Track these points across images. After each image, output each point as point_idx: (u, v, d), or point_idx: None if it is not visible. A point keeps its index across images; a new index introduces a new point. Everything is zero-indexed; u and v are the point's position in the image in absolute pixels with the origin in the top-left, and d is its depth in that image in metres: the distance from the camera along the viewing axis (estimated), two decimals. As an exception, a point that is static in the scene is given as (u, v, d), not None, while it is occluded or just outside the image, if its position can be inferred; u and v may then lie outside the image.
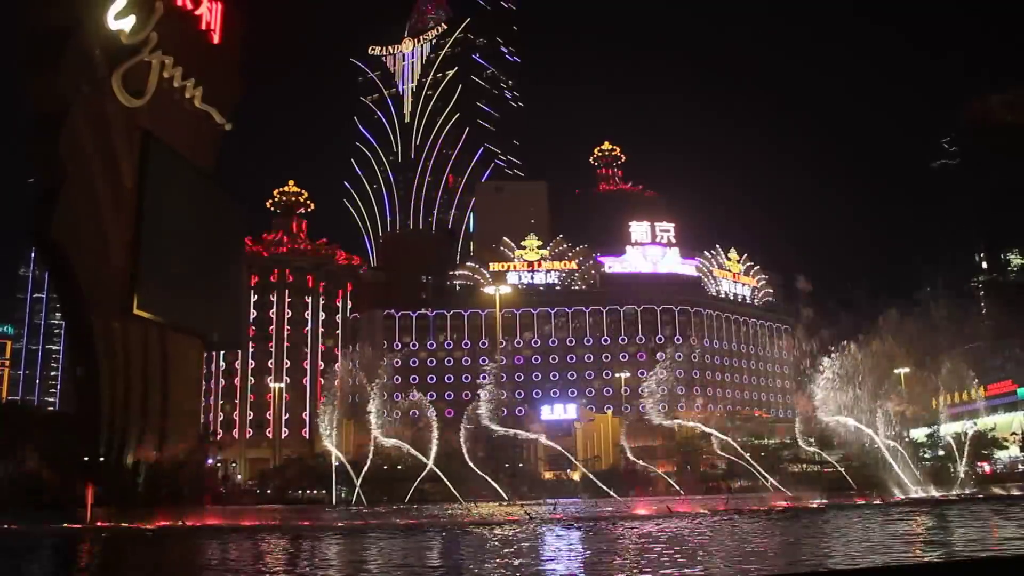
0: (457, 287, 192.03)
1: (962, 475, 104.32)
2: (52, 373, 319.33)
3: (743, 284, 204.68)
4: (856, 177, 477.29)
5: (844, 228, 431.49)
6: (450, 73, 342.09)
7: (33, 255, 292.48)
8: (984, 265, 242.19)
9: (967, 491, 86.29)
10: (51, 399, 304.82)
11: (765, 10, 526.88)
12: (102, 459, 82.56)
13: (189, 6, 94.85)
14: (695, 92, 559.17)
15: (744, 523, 44.51)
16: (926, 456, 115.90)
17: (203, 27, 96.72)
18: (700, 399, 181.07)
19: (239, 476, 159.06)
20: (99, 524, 56.11)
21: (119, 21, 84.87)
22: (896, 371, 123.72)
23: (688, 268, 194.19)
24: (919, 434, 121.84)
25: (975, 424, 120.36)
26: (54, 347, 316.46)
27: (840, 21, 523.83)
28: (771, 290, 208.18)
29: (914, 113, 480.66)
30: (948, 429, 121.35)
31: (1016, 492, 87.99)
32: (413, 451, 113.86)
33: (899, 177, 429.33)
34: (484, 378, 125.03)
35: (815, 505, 68.30)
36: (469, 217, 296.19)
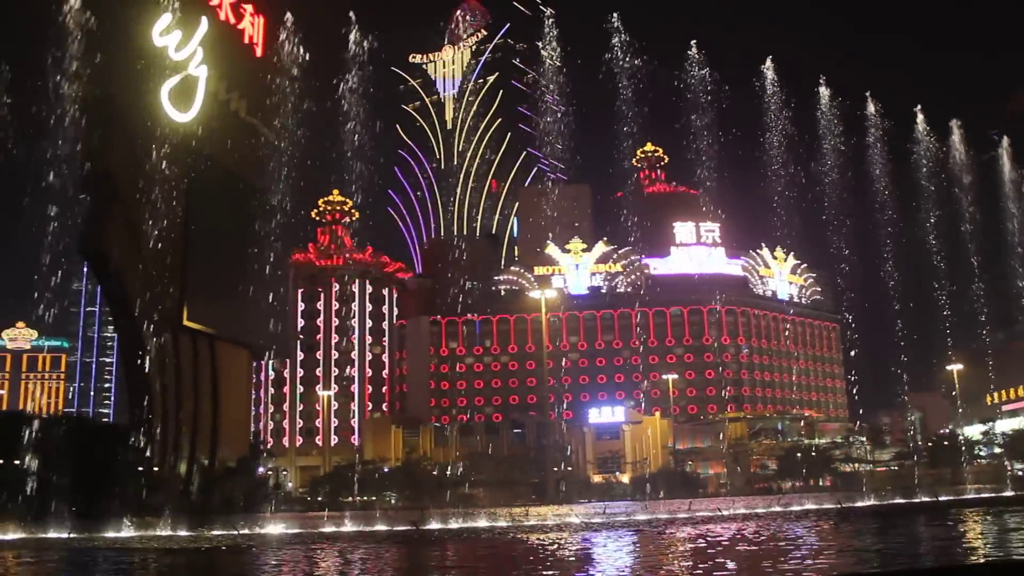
0: (502, 292, 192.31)
1: (1019, 473, 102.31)
2: (106, 385, 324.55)
3: (790, 283, 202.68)
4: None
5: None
6: (491, 79, 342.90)
7: (85, 269, 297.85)
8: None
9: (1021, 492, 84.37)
10: (105, 411, 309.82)
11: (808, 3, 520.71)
12: (156, 469, 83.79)
13: (232, 20, 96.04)
14: (737, 86, 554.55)
15: (796, 525, 44.07)
16: (981, 454, 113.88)
17: (246, 41, 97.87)
18: (749, 399, 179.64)
19: (290, 484, 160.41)
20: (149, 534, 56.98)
21: (164, 37, 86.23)
22: (948, 367, 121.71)
23: (734, 268, 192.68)
24: (974, 432, 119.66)
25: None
26: (108, 360, 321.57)
27: (888, 13, 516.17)
28: (819, 288, 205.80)
29: (963, 106, 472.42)
30: (1005, 426, 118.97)
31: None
32: (461, 456, 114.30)
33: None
34: (531, 383, 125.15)
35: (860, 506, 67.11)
36: (513, 222, 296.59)
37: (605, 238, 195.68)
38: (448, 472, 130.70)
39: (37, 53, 78.26)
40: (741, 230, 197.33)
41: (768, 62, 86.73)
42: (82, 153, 78.74)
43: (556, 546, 32.97)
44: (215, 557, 36.08)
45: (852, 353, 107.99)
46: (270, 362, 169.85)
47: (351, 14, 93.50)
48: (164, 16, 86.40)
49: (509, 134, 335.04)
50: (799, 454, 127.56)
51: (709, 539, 33.40)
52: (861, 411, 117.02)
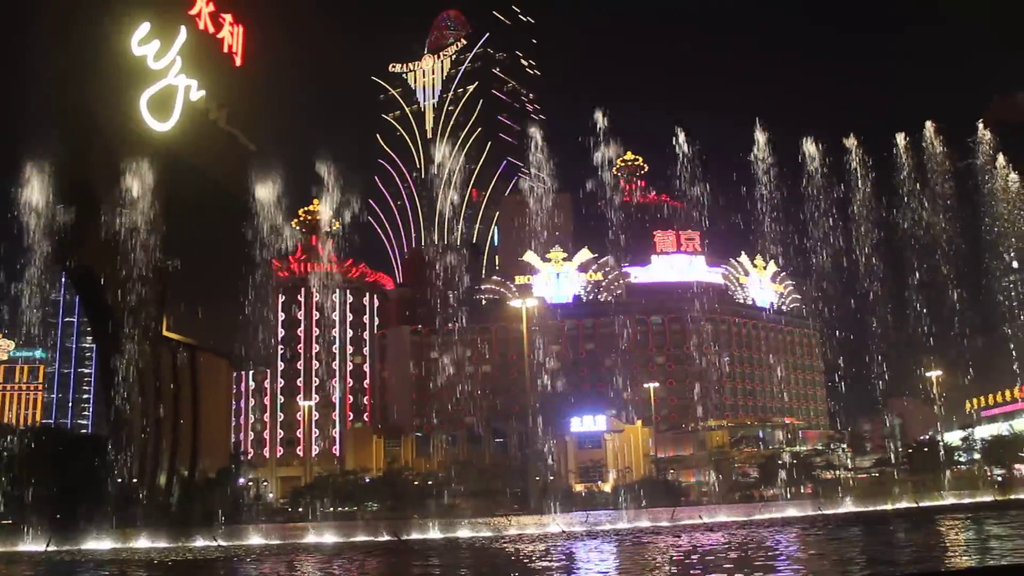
0: (483, 301, 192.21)
1: (999, 479, 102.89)
2: (85, 396, 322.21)
3: (771, 290, 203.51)
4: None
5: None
6: (470, 88, 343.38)
7: (63, 280, 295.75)
8: (1015, 264, 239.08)
9: (999, 497, 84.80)
10: (84, 422, 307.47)
11: (786, 12, 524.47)
12: (135, 480, 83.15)
13: (211, 29, 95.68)
14: (719, 98, 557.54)
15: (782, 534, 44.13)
16: (960, 460, 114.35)
17: (225, 50, 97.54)
18: (730, 407, 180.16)
19: (271, 495, 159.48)
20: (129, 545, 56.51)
21: (143, 47, 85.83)
22: (928, 374, 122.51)
23: (715, 276, 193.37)
24: (953, 438, 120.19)
25: (1011, 427, 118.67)
26: (86, 371, 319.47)
27: (867, 18, 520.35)
28: (799, 296, 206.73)
29: (942, 111, 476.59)
30: (984, 432, 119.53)
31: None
32: (443, 466, 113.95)
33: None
34: (513, 392, 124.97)
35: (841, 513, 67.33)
36: (493, 231, 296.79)
37: (586, 247, 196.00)
38: (430, 482, 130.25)
39: (13, 61, 77.70)
40: (721, 238, 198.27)
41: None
42: (59, 163, 78.18)
43: (537, 555, 32.88)
44: (193, 570, 35.77)
45: (832, 360, 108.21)
46: (251, 372, 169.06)
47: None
48: (143, 25, 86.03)
49: (489, 143, 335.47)
50: (780, 462, 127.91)
51: (690, 548, 33.42)
52: (842, 418, 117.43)
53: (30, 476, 70.08)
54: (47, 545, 52.74)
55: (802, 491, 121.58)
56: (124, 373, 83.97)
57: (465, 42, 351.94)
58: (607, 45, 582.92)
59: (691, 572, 23.47)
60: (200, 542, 55.07)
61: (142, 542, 56.36)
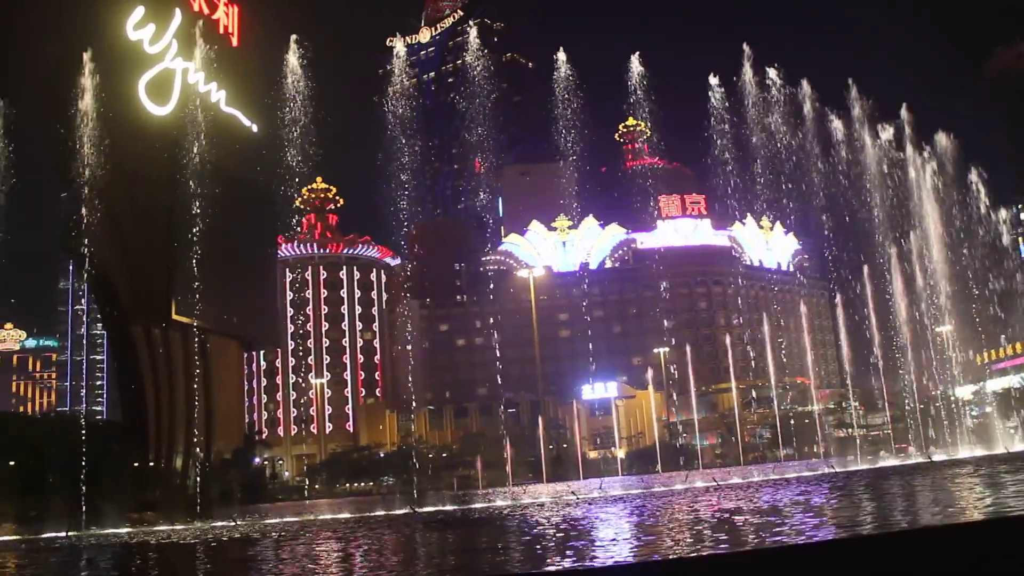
0: (490, 273, 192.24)
1: (1012, 431, 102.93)
2: (98, 383, 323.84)
3: (778, 251, 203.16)
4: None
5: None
6: (469, 58, 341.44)
7: (71, 267, 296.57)
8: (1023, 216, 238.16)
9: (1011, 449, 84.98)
10: (98, 408, 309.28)
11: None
12: (151, 464, 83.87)
13: (206, 11, 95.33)
14: (722, 59, 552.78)
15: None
16: (973, 413, 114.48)
17: (221, 31, 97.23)
18: (741, 369, 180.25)
19: (287, 473, 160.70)
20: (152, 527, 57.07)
21: (138, 31, 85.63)
22: (938, 329, 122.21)
23: (721, 239, 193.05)
24: (965, 392, 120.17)
25: (1022, 379, 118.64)
26: (98, 357, 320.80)
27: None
28: (806, 255, 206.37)
29: (945, 64, 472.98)
30: (995, 385, 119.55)
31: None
32: (456, 439, 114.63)
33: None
34: (523, 362, 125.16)
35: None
36: (498, 201, 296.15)
37: (592, 214, 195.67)
38: (444, 454, 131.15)
39: (8, 48, 77.57)
40: (727, 201, 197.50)
41: (745, 47, 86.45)
42: (60, 150, 78.23)
43: (552, 522, 33.16)
44: (220, 551, 36.19)
45: (842, 318, 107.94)
46: (261, 352, 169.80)
47: None
48: (137, 9, 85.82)
49: (490, 113, 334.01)
50: (792, 422, 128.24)
51: (706, 509, 33.67)
52: (853, 376, 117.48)
53: (48, 464, 70.63)
54: (68, 531, 53.31)
55: (816, 450, 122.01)
56: (135, 359, 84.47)
57: (462, 13, 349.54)
58: (607, 9, 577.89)
59: (712, 530, 23.68)
60: (219, 522, 55.60)
61: (161, 525, 56.92)
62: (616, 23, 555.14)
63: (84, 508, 62.46)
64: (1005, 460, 58.09)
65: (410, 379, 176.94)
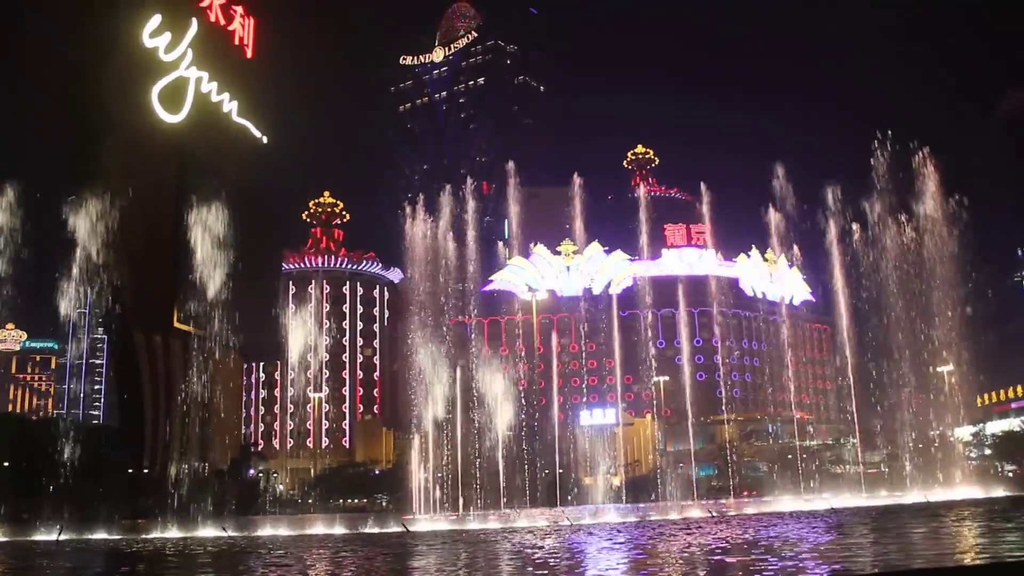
0: (494, 294, 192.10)
1: (1010, 475, 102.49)
2: (96, 387, 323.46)
3: (782, 284, 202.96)
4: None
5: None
6: (481, 80, 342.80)
7: (74, 270, 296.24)
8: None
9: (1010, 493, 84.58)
10: (96, 412, 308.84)
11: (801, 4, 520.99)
12: (146, 471, 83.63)
13: (222, 22, 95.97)
14: (730, 90, 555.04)
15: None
16: (971, 455, 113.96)
17: (236, 42, 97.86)
18: (741, 401, 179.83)
19: (280, 486, 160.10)
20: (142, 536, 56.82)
21: (154, 39, 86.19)
22: (939, 369, 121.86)
23: (725, 270, 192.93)
24: (964, 433, 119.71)
25: (1022, 422, 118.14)
26: (97, 361, 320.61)
27: (882, 18, 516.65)
28: (810, 290, 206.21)
29: (953, 106, 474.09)
30: (995, 427, 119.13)
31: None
32: (452, 459, 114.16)
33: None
34: (523, 385, 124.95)
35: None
36: (504, 223, 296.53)
37: (597, 240, 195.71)
38: (440, 474, 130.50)
39: (24, 53, 78.06)
40: (732, 232, 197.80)
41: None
42: (71, 155, 78.57)
43: (544, 547, 33.00)
44: (201, 561, 36.02)
45: (844, 355, 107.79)
46: (261, 364, 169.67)
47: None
48: (154, 18, 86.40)
49: (500, 135, 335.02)
50: (790, 456, 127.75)
51: (699, 541, 33.49)
52: (852, 413, 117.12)
53: (42, 467, 70.47)
54: (58, 535, 53.09)
55: (812, 485, 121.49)
56: (135, 365, 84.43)
57: (476, 34, 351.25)
58: (619, 39, 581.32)
59: (705, 560, 23.54)
60: (210, 532, 55.38)
61: (152, 532, 56.70)
62: (626, 50, 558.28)
63: (77, 512, 62.22)
64: (1001, 504, 57.82)
65: (408, 397, 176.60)
